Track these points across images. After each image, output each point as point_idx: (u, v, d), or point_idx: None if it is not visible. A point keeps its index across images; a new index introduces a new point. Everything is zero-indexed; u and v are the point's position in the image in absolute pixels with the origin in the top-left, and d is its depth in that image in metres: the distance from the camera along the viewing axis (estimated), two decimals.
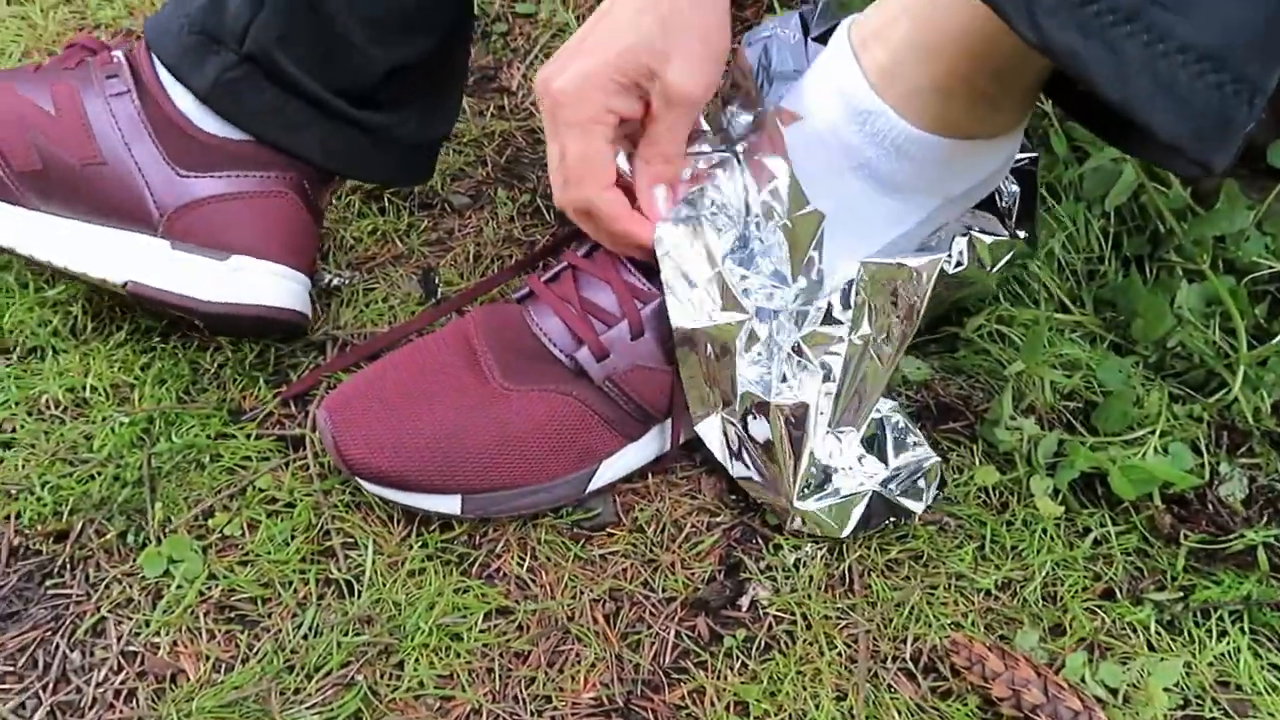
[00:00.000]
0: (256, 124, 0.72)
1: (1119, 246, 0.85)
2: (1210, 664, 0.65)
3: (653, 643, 0.65)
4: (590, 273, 0.68)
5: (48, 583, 0.64)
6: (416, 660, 0.62)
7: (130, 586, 0.64)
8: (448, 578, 0.66)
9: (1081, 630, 0.66)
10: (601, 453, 0.68)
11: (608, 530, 0.70)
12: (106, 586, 0.64)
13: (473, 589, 0.66)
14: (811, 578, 0.68)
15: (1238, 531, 0.71)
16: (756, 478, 0.68)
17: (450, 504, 0.66)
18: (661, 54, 0.60)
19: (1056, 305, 0.83)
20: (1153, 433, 0.73)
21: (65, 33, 1.03)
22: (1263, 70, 0.47)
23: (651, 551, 0.69)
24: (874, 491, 0.68)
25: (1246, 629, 0.67)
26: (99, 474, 0.69)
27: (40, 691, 0.59)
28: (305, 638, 0.63)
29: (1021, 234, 0.74)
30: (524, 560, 0.68)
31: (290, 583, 0.65)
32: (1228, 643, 0.66)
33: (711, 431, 0.68)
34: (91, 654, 0.61)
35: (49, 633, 0.62)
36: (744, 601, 0.67)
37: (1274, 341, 0.75)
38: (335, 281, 0.83)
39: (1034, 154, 0.74)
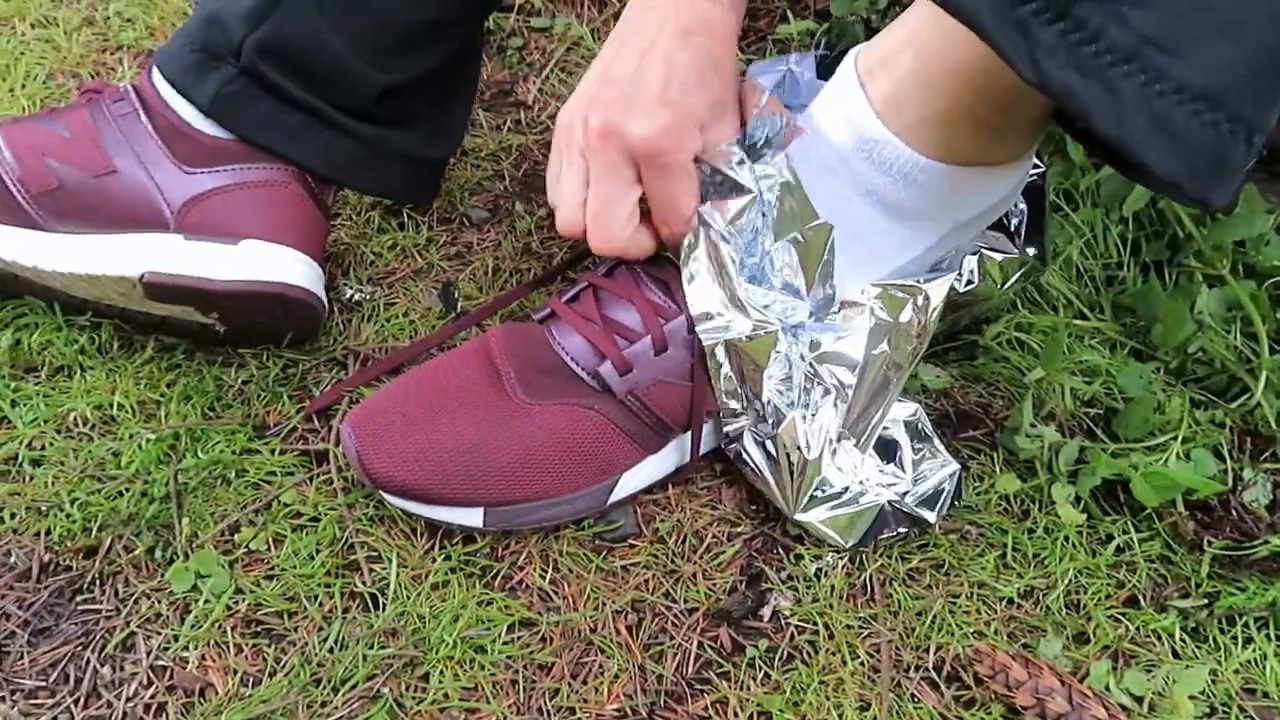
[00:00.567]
0: (255, 133, 0.74)
1: (1137, 252, 0.85)
2: (1236, 671, 0.65)
3: (675, 653, 0.65)
4: (612, 291, 0.68)
5: (78, 598, 0.65)
6: (441, 673, 0.63)
7: (159, 601, 0.65)
8: (471, 590, 0.66)
9: (1105, 638, 0.66)
10: (622, 465, 0.68)
11: (629, 541, 0.70)
12: (135, 601, 0.65)
13: (496, 601, 0.66)
14: (833, 587, 0.68)
15: (1262, 537, 0.70)
16: (766, 481, 0.69)
17: (473, 517, 0.67)
18: (724, 105, 0.65)
19: (1075, 312, 0.83)
20: (1175, 439, 0.73)
21: (88, 54, 1.05)
22: (1259, 109, 0.48)
23: (673, 562, 0.69)
24: (885, 503, 0.68)
25: (1272, 635, 0.67)
26: (127, 490, 0.69)
27: (72, 706, 0.60)
28: (331, 651, 0.63)
29: (1031, 250, 0.75)
30: (546, 572, 0.68)
31: (316, 596, 0.66)
32: (1253, 649, 0.66)
33: (744, 437, 0.69)
34: (121, 668, 0.62)
35: (80, 648, 0.63)
36: (766, 611, 0.67)
37: None
38: (356, 296, 0.84)
39: (1041, 169, 0.74)
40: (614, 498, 0.69)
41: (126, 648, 0.63)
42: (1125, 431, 0.75)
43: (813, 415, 0.65)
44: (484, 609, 0.66)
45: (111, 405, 0.74)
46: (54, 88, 1.00)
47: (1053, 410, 0.76)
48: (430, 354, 0.78)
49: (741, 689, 0.63)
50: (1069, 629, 0.67)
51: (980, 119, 0.59)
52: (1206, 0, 0.45)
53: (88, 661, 0.62)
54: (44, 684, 0.61)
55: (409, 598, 0.66)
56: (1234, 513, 0.72)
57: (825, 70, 0.71)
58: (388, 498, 0.67)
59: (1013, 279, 0.75)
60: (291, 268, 0.75)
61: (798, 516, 0.68)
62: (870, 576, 0.69)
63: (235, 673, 0.62)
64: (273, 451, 0.73)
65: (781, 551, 0.70)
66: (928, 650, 0.66)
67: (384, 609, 0.65)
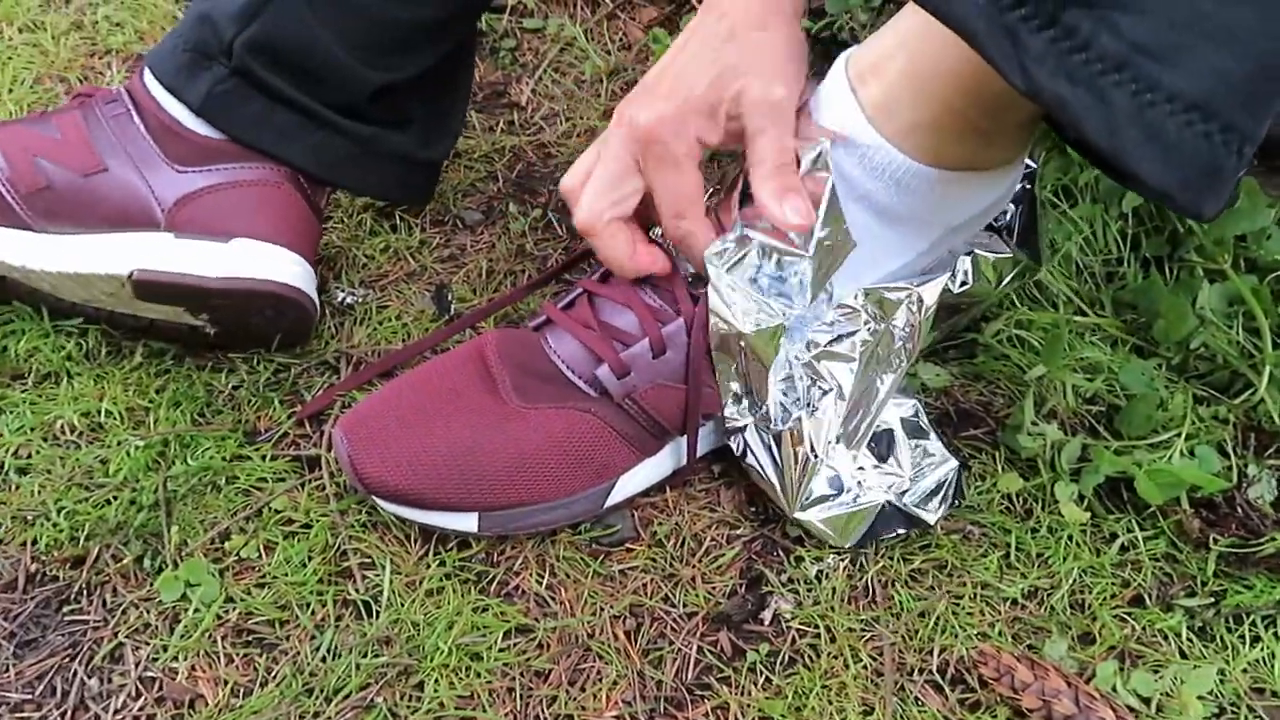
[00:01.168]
0: (248, 133, 0.74)
1: (1137, 248, 0.84)
2: (1244, 670, 0.64)
3: (675, 659, 0.64)
4: (608, 297, 0.67)
5: (65, 609, 0.64)
6: (437, 681, 0.61)
7: (147, 611, 0.64)
8: (466, 596, 0.65)
9: (1111, 638, 0.65)
10: (619, 468, 0.67)
11: (626, 546, 0.69)
12: (124, 612, 0.64)
13: (492, 608, 0.65)
14: (834, 589, 0.67)
15: (1268, 535, 0.69)
16: (769, 481, 0.68)
17: (467, 522, 0.66)
18: (744, 75, 0.62)
19: (1075, 308, 0.82)
20: (1178, 435, 0.72)
21: (77, 59, 1.04)
22: (1251, 119, 0.47)
23: (671, 566, 0.68)
24: (884, 503, 0.67)
25: None
26: (115, 498, 0.68)
27: (59, 719, 0.59)
28: (324, 660, 0.62)
29: (1025, 250, 0.74)
30: (543, 578, 0.67)
31: (308, 604, 0.64)
32: (1261, 648, 0.65)
33: (747, 436, 0.68)
34: (109, 680, 0.61)
35: (67, 659, 0.62)
36: (766, 615, 0.66)
37: None
38: (348, 299, 0.83)
39: (1033, 169, 0.73)
40: (610, 501, 0.68)
41: (114, 659, 0.62)
42: (1128, 429, 0.74)
43: (815, 414, 0.64)
44: (479, 615, 0.64)
45: (99, 412, 0.73)
46: (42, 92, 0.99)
47: (1054, 408, 0.75)
48: (423, 358, 0.77)
49: (742, 694, 0.62)
50: (1074, 629, 0.66)
51: (971, 124, 0.59)
52: (1198, 7, 0.44)
53: (75, 674, 0.61)
54: (30, 697, 0.60)
55: (403, 605, 0.65)
56: (1239, 510, 0.71)
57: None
58: (381, 503, 0.66)
59: (1007, 278, 0.75)
60: (284, 267, 0.74)
61: (797, 515, 0.67)
62: (872, 578, 0.68)
63: (226, 683, 0.61)
64: (263, 457, 0.72)
65: (781, 554, 0.69)
66: (931, 652, 0.65)
67: (377, 617, 0.64)
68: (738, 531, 0.70)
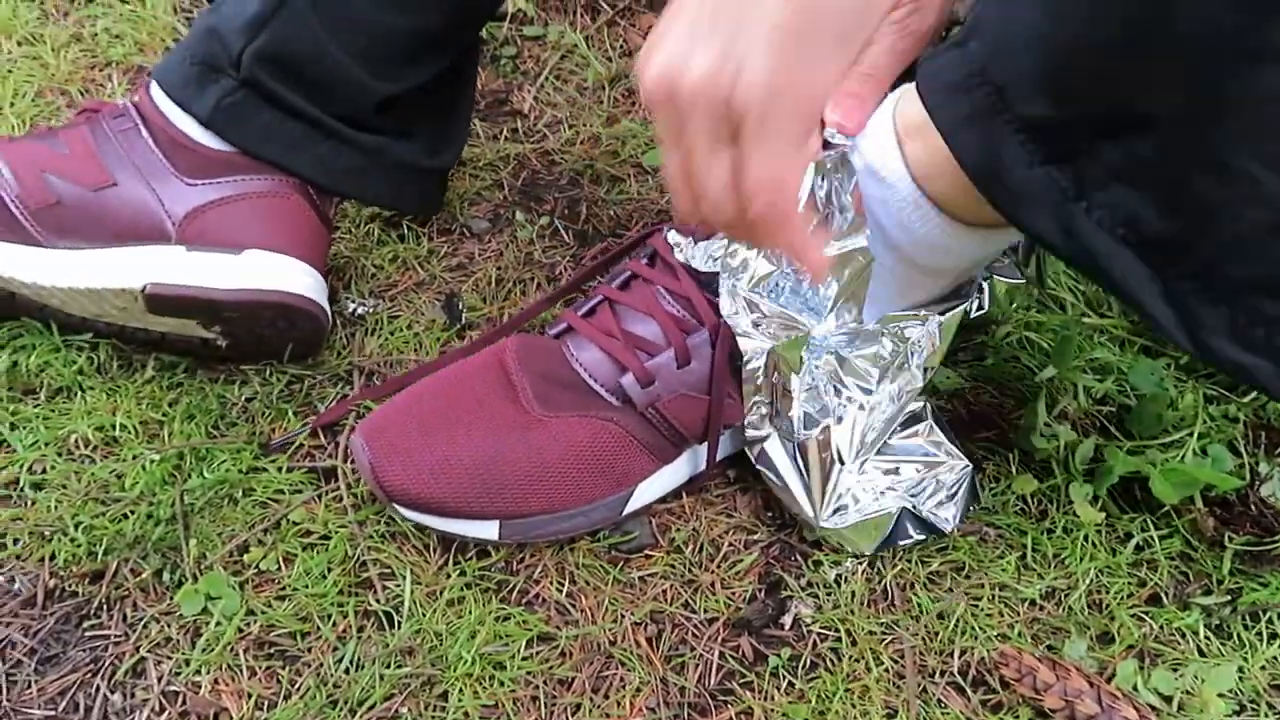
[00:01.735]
0: (256, 145, 0.74)
1: None
2: (1263, 668, 0.65)
3: (697, 665, 0.64)
4: (629, 305, 0.67)
5: (85, 624, 0.63)
6: (461, 691, 0.61)
7: (169, 625, 0.63)
8: (487, 605, 0.65)
9: (1130, 638, 0.66)
10: (638, 475, 0.68)
11: (646, 552, 0.69)
12: (145, 626, 0.63)
13: (513, 616, 0.65)
14: (854, 593, 0.67)
15: None
16: (790, 490, 0.68)
17: (488, 529, 0.66)
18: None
19: (1082, 310, 0.83)
20: (1190, 435, 0.73)
21: (77, 71, 1.03)
22: None
23: (691, 572, 0.68)
24: (901, 509, 0.67)
25: None
26: (132, 512, 0.68)
27: None
28: (347, 671, 0.62)
29: (1029, 270, 0.75)
30: (563, 585, 0.67)
31: (329, 616, 0.64)
32: (1279, 645, 0.66)
33: (768, 446, 0.68)
34: (132, 695, 0.61)
35: (89, 675, 0.61)
36: (786, 620, 0.66)
37: None
38: (359, 310, 0.82)
39: None
40: (629, 509, 0.68)
41: (137, 674, 0.62)
42: (1139, 429, 0.74)
43: (840, 422, 0.65)
44: (501, 624, 0.64)
45: (113, 426, 0.73)
46: (43, 105, 0.99)
47: (1065, 409, 0.76)
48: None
49: (766, 699, 0.62)
50: (1093, 629, 0.66)
51: None
52: None
53: (97, 689, 0.61)
54: (53, 713, 0.60)
55: (424, 615, 0.64)
56: (1253, 508, 0.71)
57: None
58: (401, 511, 0.66)
59: (1017, 300, 0.76)
60: (296, 278, 0.74)
61: (823, 524, 0.67)
62: (890, 581, 0.68)
63: (249, 696, 0.61)
64: (280, 469, 0.72)
65: (800, 558, 0.69)
66: (952, 654, 0.65)
67: (399, 627, 0.64)
68: (755, 537, 0.70)
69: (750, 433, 0.67)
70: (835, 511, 0.67)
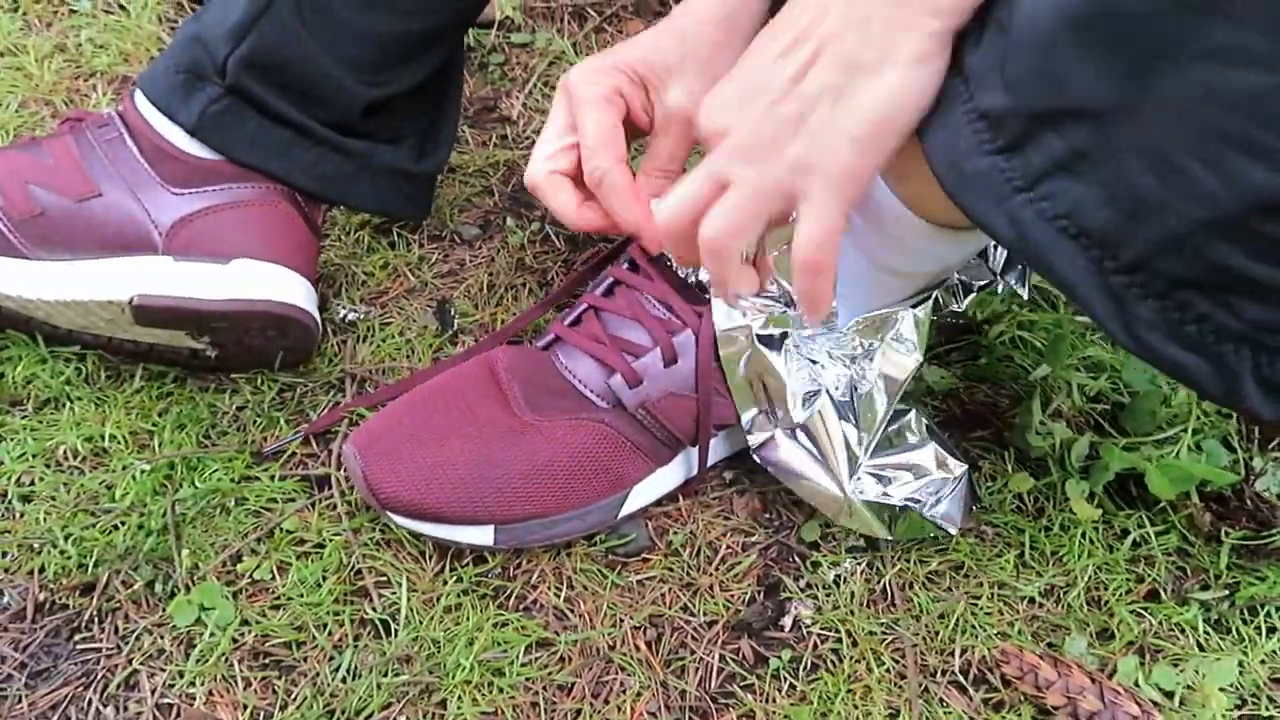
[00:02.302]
0: (243, 152, 0.73)
1: None
2: (1262, 661, 0.65)
3: (697, 668, 0.64)
4: (614, 311, 0.68)
5: (76, 637, 0.63)
6: (460, 698, 0.61)
7: (161, 637, 0.62)
8: (485, 612, 0.65)
9: (1129, 634, 0.66)
10: (632, 478, 0.67)
11: (643, 555, 0.69)
12: (137, 638, 0.62)
13: (511, 622, 0.64)
14: (853, 593, 0.67)
15: (1278, 526, 0.70)
16: (810, 473, 0.67)
17: (483, 535, 0.65)
18: (672, 70, 0.64)
19: (1074, 308, 0.83)
20: (1184, 431, 0.73)
21: (61, 81, 1.02)
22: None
23: (689, 575, 0.68)
24: (911, 504, 0.67)
25: None
26: (123, 523, 0.67)
27: None
28: (344, 680, 0.61)
29: (1010, 279, 0.75)
30: (561, 590, 0.66)
31: (325, 625, 0.64)
32: (1278, 639, 0.66)
33: (775, 447, 0.67)
34: (125, 708, 0.60)
35: (80, 688, 0.60)
36: (786, 621, 0.66)
37: None
38: (350, 316, 0.82)
39: None
40: (624, 511, 0.68)
41: (129, 686, 0.61)
42: (1133, 425, 0.74)
43: (834, 394, 0.65)
44: (499, 631, 0.64)
45: (102, 437, 0.72)
46: (27, 115, 0.98)
47: (1059, 408, 0.76)
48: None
49: (767, 701, 0.62)
50: (1092, 626, 0.66)
51: None
52: None
53: (89, 702, 0.60)
54: None
55: (421, 622, 0.64)
56: (1248, 503, 0.71)
57: None
58: (395, 518, 0.65)
59: (990, 307, 0.76)
60: (285, 287, 0.74)
61: (851, 495, 0.66)
62: (890, 581, 0.68)
63: (245, 707, 0.60)
64: (272, 478, 0.71)
65: (798, 560, 0.69)
66: (953, 653, 0.65)
67: (396, 635, 0.63)
68: (753, 538, 0.70)
69: (752, 439, 0.67)
70: (858, 479, 0.66)
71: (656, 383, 0.66)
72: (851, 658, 0.64)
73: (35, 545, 0.66)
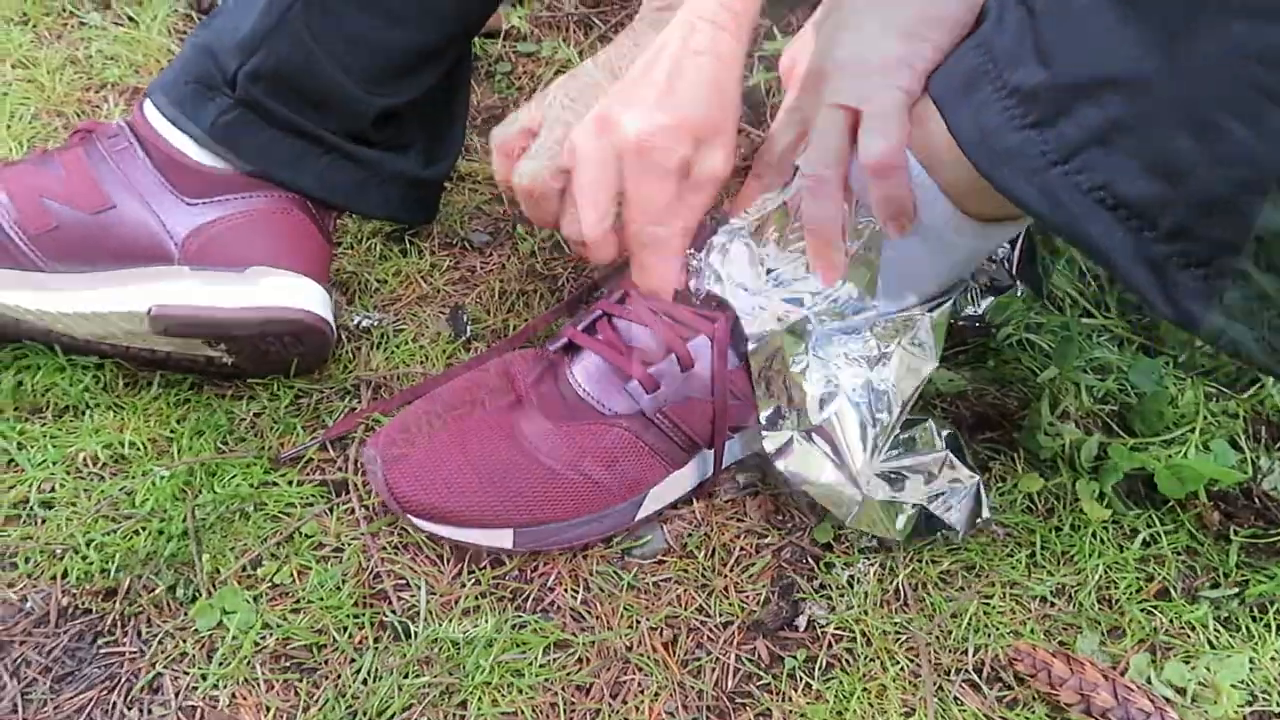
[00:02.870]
0: (255, 162, 0.74)
1: None
2: (1273, 658, 0.65)
3: (714, 668, 0.64)
4: (627, 317, 0.68)
5: (99, 641, 0.63)
6: (480, 699, 0.61)
7: (184, 640, 0.63)
8: (503, 614, 0.65)
9: (1140, 631, 0.66)
10: (649, 481, 0.68)
11: (659, 558, 0.69)
12: (160, 642, 0.63)
13: (530, 624, 0.65)
14: (866, 593, 0.68)
15: None
16: (826, 476, 0.67)
17: (502, 538, 0.66)
18: (720, 131, 0.64)
19: (1082, 310, 0.84)
20: (1192, 431, 0.74)
21: (73, 93, 1.03)
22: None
23: (704, 576, 0.69)
24: (922, 507, 0.68)
25: None
26: (143, 529, 0.68)
27: None
28: (365, 683, 0.62)
29: (1021, 282, 0.76)
30: (578, 592, 0.67)
31: (345, 628, 0.64)
32: None
33: (791, 455, 0.67)
34: (149, 711, 0.60)
35: (105, 692, 0.61)
36: (801, 621, 0.67)
37: None
38: (364, 323, 0.83)
39: None
40: (641, 514, 0.69)
41: (153, 689, 0.61)
42: (1142, 426, 0.75)
43: (851, 396, 0.65)
44: (518, 632, 0.64)
45: (122, 444, 0.72)
46: (40, 127, 0.99)
47: (1067, 409, 0.77)
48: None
49: (784, 700, 0.63)
50: (1103, 624, 0.67)
51: None
52: None
53: (114, 705, 0.60)
54: None
55: (440, 625, 0.64)
56: (1257, 501, 0.72)
57: None
58: (414, 521, 0.66)
59: (1010, 310, 0.77)
60: (301, 294, 0.74)
61: (864, 488, 0.66)
62: (902, 581, 0.69)
63: (268, 710, 0.60)
64: (290, 483, 0.71)
65: (811, 561, 0.70)
66: (966, 652, 0.65)
67: (416, 637, 0.64)
68: (766, 540, 0.71)
69: (768, 440, 0.66)
70: (871, 481, 0.66)
71: (674, 388, 0.66)
72: (866, 657, 0.65)
73: (57, 551, 0.66)
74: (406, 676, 0.62)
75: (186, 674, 0.62)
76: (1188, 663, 0.64)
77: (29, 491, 0.69)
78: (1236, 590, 0.68)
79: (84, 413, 0.74)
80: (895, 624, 0.66)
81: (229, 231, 0.74)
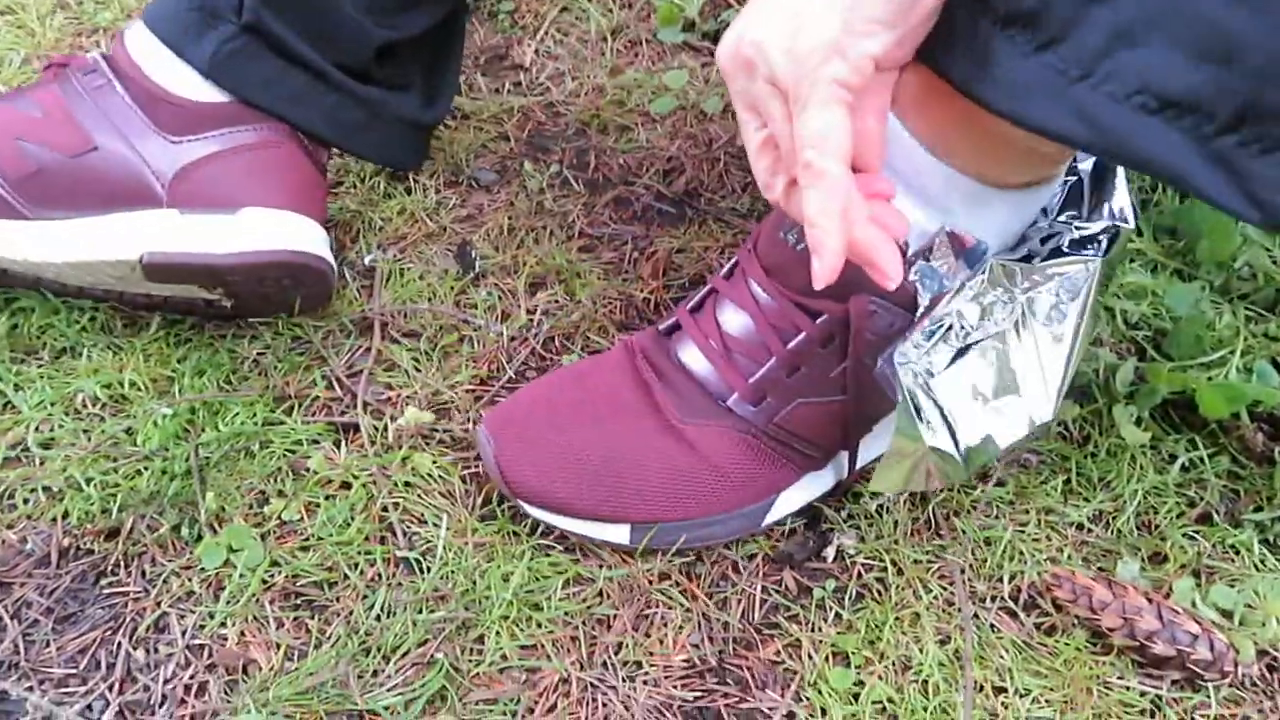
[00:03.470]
0: (259, 94, 0.71)
1: None
2: None
3: (740, 600, 0.62)
4: (729, 296, 0.62)
5: (102, 581, 0.61)
6: (498, 633, 0.59)
7: (190, 579, 0.61)
8: (520, 548, 0.63)
9: (1182, 557, 0.64)
10: (779, 486, 0.63)
11: None
12: (165, 581, 0.61)
13: (548, 558, 0.63)
14: (896, 523, 0.65)
15: None
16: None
17: (618, 533, 0.62)
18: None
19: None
20: (1232, 353, 0.71)
21: (63, 38, 1.00)
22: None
23: None
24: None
25: None
26: (145, 468, 0.65)
27: (106, 692, 0.56)
28: (378, 619, 0.59)
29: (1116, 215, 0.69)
30: None
31: (356, 564, 0.62)
32: None
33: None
34: (156, 650, 0.58)
35: (109, 632, 0.59)
36: (829, 552, 0.64)
37: None
38: (370, 261, 0.80)
39: None
40: (769, 519, 0.64)
41: (159, 629, 0.59)
42: (1178, 351, 0.72)
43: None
44: (536, 566, 0.62)
45: (121, 384, 0.70)
46: (30, 73, 0.96)
47: (1100, 334, 0.74)
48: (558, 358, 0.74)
49: (814, 630, 0.60)
50: (1144, 550, 0.64)
51: (1032, 149, 0.53)
52: None
53: (119, 645, 0.58)
54: (74, 671, 0.57)
55: (455, 559, 0.62)
56: None
57: None
58: (525, 507, 0.62)
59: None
60: (296, 233, 0.71)
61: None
62: (934, 510, 0.66)
63: (278, 647, 0.58)
64: (297, 421, 0.69)
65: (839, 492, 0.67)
66: (1002, 579, 0.63)
67: (429, 572, 0.61)
68: None
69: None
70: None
71: (782, 396, 0.61)
72: (898, 586, 0.62)
73: (57, 491, 0.64)
74: (421, 612, 0.60)
75: (193, 612, 0.60)
76: (1233, 586, 0.62)
77: (26, 433, 0.67)
78: None
79: (81, 353, 0.72)
80: (927, 552, 0.64)
81: (218, 170, 0.70)
